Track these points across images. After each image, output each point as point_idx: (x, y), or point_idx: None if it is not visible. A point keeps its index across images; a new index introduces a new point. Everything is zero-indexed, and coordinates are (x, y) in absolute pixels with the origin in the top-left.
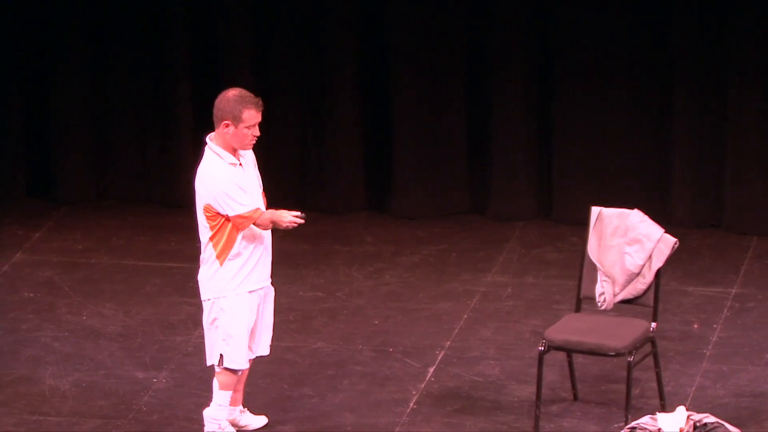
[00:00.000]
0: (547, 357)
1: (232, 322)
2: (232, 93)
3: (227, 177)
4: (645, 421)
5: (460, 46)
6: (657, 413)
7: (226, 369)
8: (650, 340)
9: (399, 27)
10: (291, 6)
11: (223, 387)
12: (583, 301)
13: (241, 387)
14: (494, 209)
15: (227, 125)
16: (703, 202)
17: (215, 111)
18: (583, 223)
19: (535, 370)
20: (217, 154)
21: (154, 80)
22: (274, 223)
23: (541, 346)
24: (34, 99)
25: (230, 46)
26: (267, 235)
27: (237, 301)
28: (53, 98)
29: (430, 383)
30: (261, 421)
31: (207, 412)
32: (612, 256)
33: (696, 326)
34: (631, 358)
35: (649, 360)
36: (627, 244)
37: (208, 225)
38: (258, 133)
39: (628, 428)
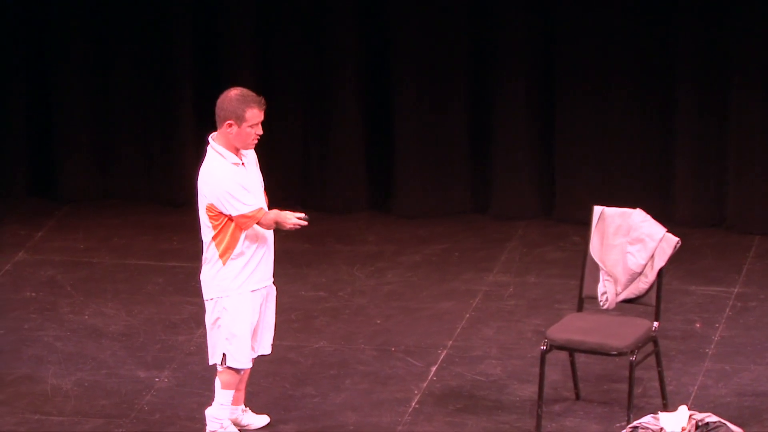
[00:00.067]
0: (549, 356)
1: (235, 321)
2: (234, 92)
3: (230, 177)
4: (647, 420)
5: (461, 45)
6: (659, 412)
7: (229, 368)
8: (652, 339)
9: (400, 26)
10: (292, 6)
11: (225, 386)
12: (585, 301)
13: (243, 386)
14: (496, 208)
15: (230, 125)
16: (705, 202)
17: (218, 111)
18: (585, 223)
19: (537, 369)
20: (220, 154)
21: (156, 79)
22: (277, 223)
23: (543, 345)
24: (36, 98)
25: (232, 45)
26: (269, 234)
27: (240, 300)
28: (55, 97)
29: (432, 382)
30: (263, 420)
31: (209, 412)
32: (614, 255)
33: (698, 325)
34: (633, 358)
35: (651, 359)
36: (629, 244)
37: (210, 224)
38: (261, 132)
39: (630, 427)
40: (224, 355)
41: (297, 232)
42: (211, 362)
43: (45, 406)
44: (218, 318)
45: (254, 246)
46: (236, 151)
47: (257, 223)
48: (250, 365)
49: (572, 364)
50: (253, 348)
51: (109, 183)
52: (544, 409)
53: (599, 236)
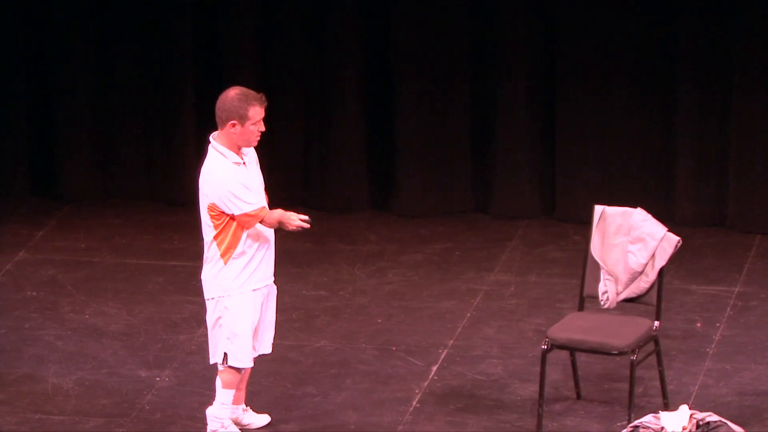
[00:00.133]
0: (550, 356)
1: (237, 320)
2: (234, 92)
3: (232, 176)
4: (648, 419)
5: (463, 44)
6: (660, 412)
7: (230, 367)
8: (653, 338)
9: (401, 26)
10: (293, 5)
11: (226, 385)
12: (586, 300)
13: (243, 385)
14: (497, 208)
15: (234, 125)
16: (706, 201)
17: (219, 112)
18: (586, 222)
19: (538, 368)
20: (222, 154)
21: (156, 79)
22: (281, 223)
23: (544, 344)
24: (38, 97)
25: (232, 45)
26: (270, 233)
27: (241, 299)
28: (56, 97)
29: (433, 382)
30: (264, 419)
31: (210, 411)
32: (615, 254)
33: (699, 325)
34: (634, 357)
35: (652, 359)
36: (630, 243)
37: (212, 224)
38: (263, 129)
39: (631, 427)
40: (225, 354)
41: (298, 232)
42: (212, 361)
43: (46, 406)
44: (219, 317)
45: (256, 245)
46: (238, 151)
47: (260, 222)
48: (251, 364)
49: (573, 363)
50: (253, 347)
51: (110, 182)
52: (545, 408)
53: (600, 236)
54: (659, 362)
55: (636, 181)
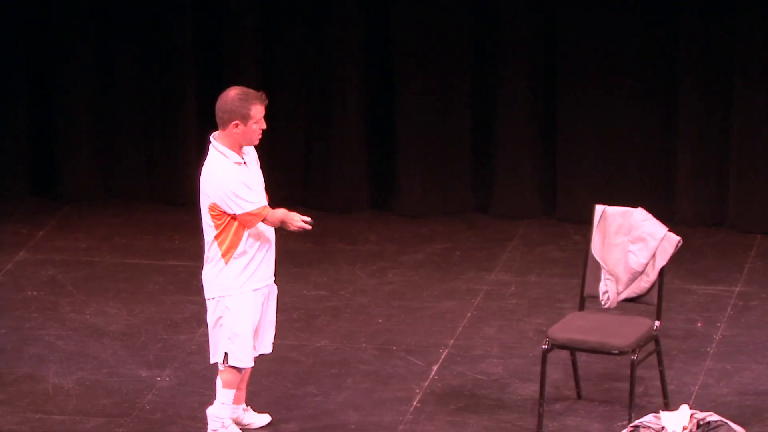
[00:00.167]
0: (550, 355)
1: (238, 320)
2: (235, 92)
3: (233, 176)
4: (648, 419)
5: (463, 44)
6: (660, 412)
7: (230, 367)
8: (654, 338)
9: (402, 26)
10: (294, 5)
11: (226, 385)
12: (586, 300)
13: (244, 385)
14: (498, 208)
15: (237, 125)
16: (707, 201)
17: (221, 113)
18: (586, 222)
19: (538, 368)
20: (223, 154)
21: (157, 79)
22: (283, 223)
23: (545, 344)
24: (39, 97)
25: (233, 45)
26: (272, 233)
27: (242, 299)
28: (57, 96)
29: (433, 381)
30: (264, 419)
31: (210, 411)
32: (615, 254)
33: (699, 325)
34: (634, 357)
35: (653, 358)
36: (631, 243)
37: (213, 224)
38: (265, 126)
39: (632, 427)
40: (226, 354)
41: (298, 233)
42: (212, 361)
43: (46, 405)
44: (220, 317)
45: (257, 245)
46: (239, 150)
47: (263, 221)
48: (251, 364)
49: (573, 363)
50: (254, 347)
51: (111, 182)
52: (545, 408)
53: (601, 235)
54: (660, 362)
55: (636, 181)
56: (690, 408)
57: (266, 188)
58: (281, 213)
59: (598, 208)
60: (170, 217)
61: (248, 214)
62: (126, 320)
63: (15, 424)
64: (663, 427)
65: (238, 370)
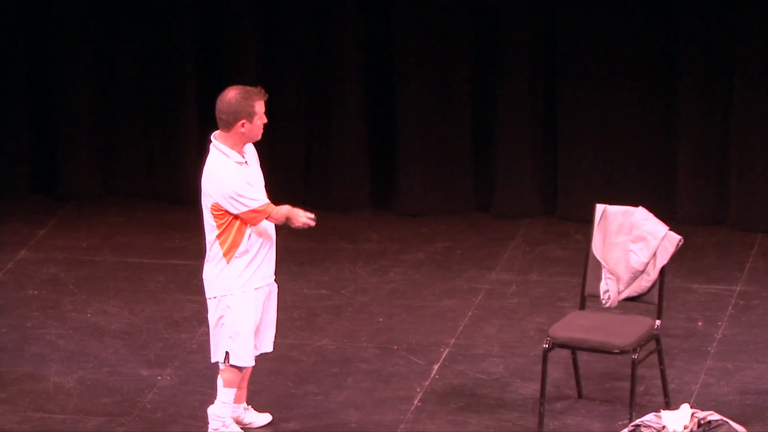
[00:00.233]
0: (551, 354)
1: (239, 319)
2: (235, 92)
3: (235, 175)
4: (649, 418)
5: (464, 44)
6: (661, 411)
7: (232, 366)
8: (655, 337)
9: (403, 25)
10: (294, 5)
11: (227, 384)
12: (587, 299)
13: (245, 384)
14: (499, 206)
15: (243, 124)
16: (708, 200)
17: (225, 115)
18: (587, 221)
19: (539, 367)
20: (224, 154)
21: (158, 78)
22: (288, 219)
23: (546, 343)
24: (40, 95)
25: (235, 44)
26: (273, 231)
27: (243, 298)
28: (58, 95)
29: (434, 381)
30: (265, 418)
31: (211, 410)
32: (616, 253)
33: (700, 324)
34: (635, 356)
35: (654, 357)
36: (631, 242)
37: (215, 223)
38: (266, 120)
39: (633, 426)
40: (227, 353)
41: (299, 231)
42: (213, 360)
43: (47, 405)
44: (222, 316)
45: (259, 243)
46: (240, 150)
47: (267, 218)
48: (253, 363)
49: (574, 362)
50: (255, 346)
51: (112, 181)
52: (546, 407)
53: (601, 234)
54: (660, 361)
55: (637, 180)
56: (691, 407)
57: (268, 188)
58: (285, 209)
59: (599, 208)
60: (171, 216)
61: (252, 211)
62: (127, 319)
63: (16, 423)
64: (664, 427)
65: (239, 369)
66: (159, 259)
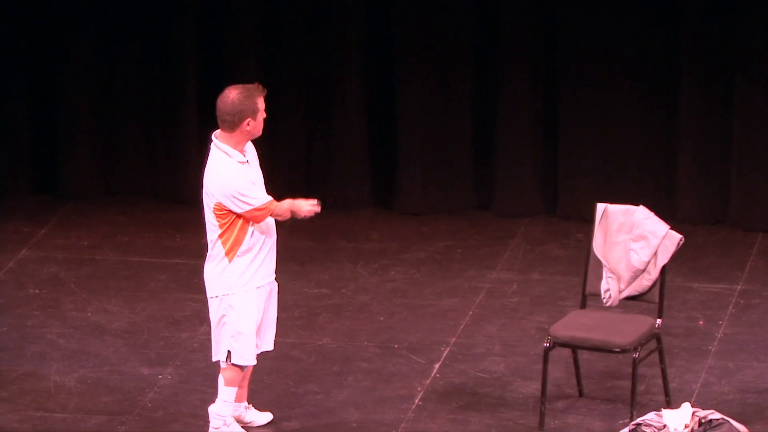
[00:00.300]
0: (552, 353)
1: (241, 318)
2: (236, 92)
3: (237, 175)
4: (650, 417)
5: (466, 42)
6: (662, 410)
7: (233, 365)
8: (655, 336)
9: (404, 24)
10: (295, 5)
11: (228, 383)
12: (588, 298)
13: (246, 383)
14: (500, 206)
15: (249, 123)
16: (709, 199)
17: (228, 116)
18: (588, 220)
19: (540, 366)
20: (226, 153)
21: (159, 77)
22: (293, 212)
23: (547, 342)
24: (40, 95)
25: (236, 43)
26: (274, 230)
27: (245, 297)
28: (59, 94)
29: (435, 380)
30: (266, 417)
31: (212, 409)
32: (617, 252)
33: (701, 323)
34: (636, 355)
35: (655, 356)
36: (632, 241)
37: (217, 223)
38: (265, 114)
39: (633, 425)
40: (229, 352)
41: (300, 229)
42: (215, 359)
43: (48, 403)
44: (224, 315)
45: (260, 241)
46: (242, 149)
47: (271, 215)
48: (254, 362)
49: (575, 361)
50: (256, 345)
51: (113, 180)
52: (547, 406)
53: (602, 233)
54: (661, 360)
55: (638, 179)
56: (692, 406)
57: (267, 188)
58: (288, 203)
59: (600, 206)
60: (172, 215)
61: (256, 209)
62: (128, 318)
63: (17, 422)
64: (665, 425)
65: (241, 368)
66: (160, 258)
